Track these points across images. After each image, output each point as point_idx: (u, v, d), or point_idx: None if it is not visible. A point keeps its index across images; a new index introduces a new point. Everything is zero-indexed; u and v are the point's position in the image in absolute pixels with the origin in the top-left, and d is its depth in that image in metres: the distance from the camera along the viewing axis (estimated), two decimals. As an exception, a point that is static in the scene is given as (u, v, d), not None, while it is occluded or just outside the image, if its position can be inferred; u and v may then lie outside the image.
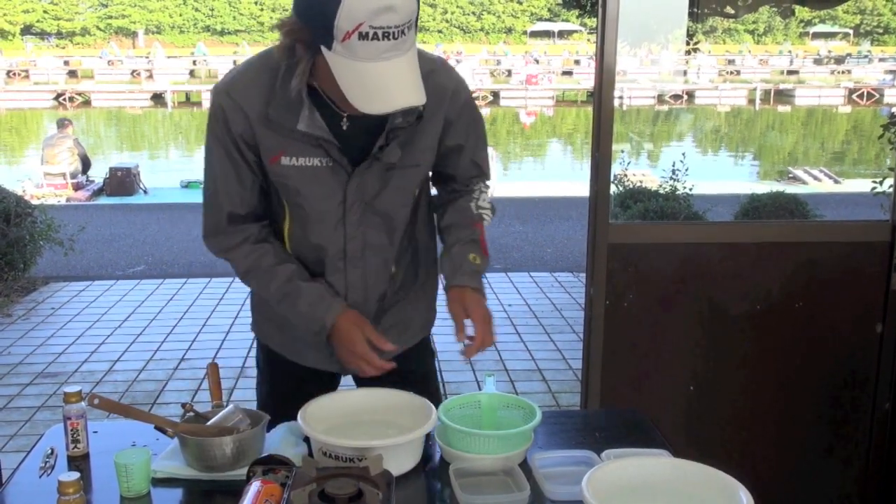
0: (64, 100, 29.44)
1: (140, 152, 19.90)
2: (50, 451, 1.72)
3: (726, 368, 2.79)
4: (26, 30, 52.99)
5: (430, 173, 1.84)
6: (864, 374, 2.81)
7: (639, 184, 7.77)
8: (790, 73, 35.20)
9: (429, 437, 1.65)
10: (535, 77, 31.00)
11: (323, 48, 1.48)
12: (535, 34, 48.34)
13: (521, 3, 55.59)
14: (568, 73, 34.82)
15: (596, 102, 2.58)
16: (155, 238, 8.79)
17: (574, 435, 1.86)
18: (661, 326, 2.75)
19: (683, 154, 7.41)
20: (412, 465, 1.64)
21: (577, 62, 36.85)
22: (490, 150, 1.93)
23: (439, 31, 53.10)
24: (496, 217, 1.92)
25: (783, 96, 30.05)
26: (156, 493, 1.58)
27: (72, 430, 1.69)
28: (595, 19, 2.74)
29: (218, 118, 1.70)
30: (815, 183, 13.24)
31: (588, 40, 41.53)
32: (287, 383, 1.93)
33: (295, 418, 1.66)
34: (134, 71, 36.05)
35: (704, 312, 2.75)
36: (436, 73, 1.70)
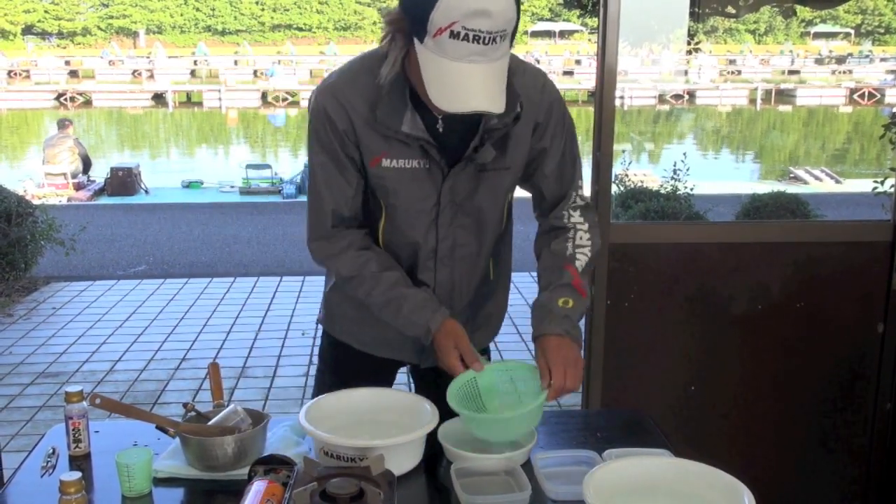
0: (65, 100, 29.45)
1: (141, 152, 19.91)
2: (51, 451, 1.72)
3: (727, 368, 2.79)
4: (27, 30, 52.97)
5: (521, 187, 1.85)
6: (866, 373, 2.81)
7: (640, 184, 7.78)
8: (791, 72, 35.17)
9: (430, 436, 1.65)
10: (536, 77, 30.89)
11: (416, 40, 1.51)
12: (535, 34, 48.28)
13: (521, 3, 55.55)
14: (569, 73, 34.78)
15: (597, 102, 2.58)
16: (156, 238, 8.80)
17: (575, 435, 1.86)
18: (662, 326, 2.75)
19: (684, 154, 7.41)
20: (413, 465, 1.64)
21: (578, 62, 36.81)
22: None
23: (440, 31, 52.86)
24: None
25: (784, 96, 30.04)
26: (157, 493, 1.58)
27: (73, 430, 1.70)
28: (596, 19, 2.74)
29: (321, 120, 1.70)
30: (816, 183, 13.24)
31: (589, 40, 41.49)
32: (351, 372, 1.93)
33: None
34: (135, 71, 36.05)
35: (705, 312, 2.75)
36: (528, 77, 1.72)
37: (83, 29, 54.17)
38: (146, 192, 12.07)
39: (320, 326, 2.01)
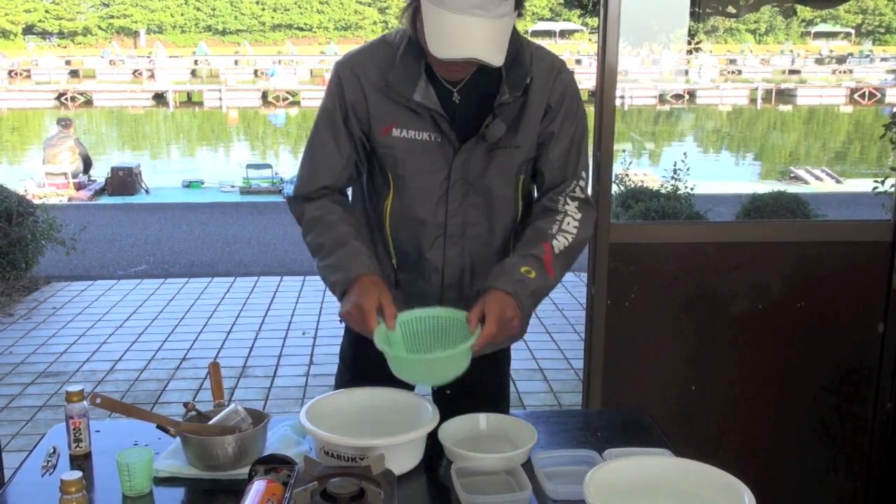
0: (66, 99, 29.44)
1: (142, 152, 19.91)
2: (52, 451, 1.72)
3: (728, 368, 2.79)
4: (28, 29, 52.99)
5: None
6: (866, 373, 2.81)
7: (640, 183, 7.79)
8: (792, 72, 35.16)
9: (431, 436, 1.65)
10: (536, 77, 30.88)
11: None
12: (536, 34, 48.23)
13: (522, 3, 55.56)
14: (569, 72, 34.77)
15: (597, 102, 2.58)
16: (156, 238, 8.80)
17: (576, 434, 1.86)
18: (662, 326, 2.75)
19: (685, 154, 7.41)
20: (414, 465, 1.64)
21: (578, 62, 36.70)
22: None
23: (441, 31, 52.86)
24: None
25: (785, 96, 30.02)
26: (158, 493, 1.58)
27: (74, 430, 1.70)
28: (596, 19, 2.74)
29: (333, 89, 1.78)
30: (816, 183, 13.23)
31: (589, 40, 41.46)
32: (371, 364, 1.91)
33: None
34: (135, 70, 36.06)
35: (706, 312, 2.75)
36: (546, 62, 1.76)
37: (84, 29, 54.18)
38: (147, 191, 12.06)
39: (342, 323, 1.96)
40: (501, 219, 1.81)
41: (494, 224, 1.81)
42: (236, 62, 38.84)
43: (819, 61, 38.03)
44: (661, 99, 28.87)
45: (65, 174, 11.67)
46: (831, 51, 40.53)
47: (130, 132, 24.84)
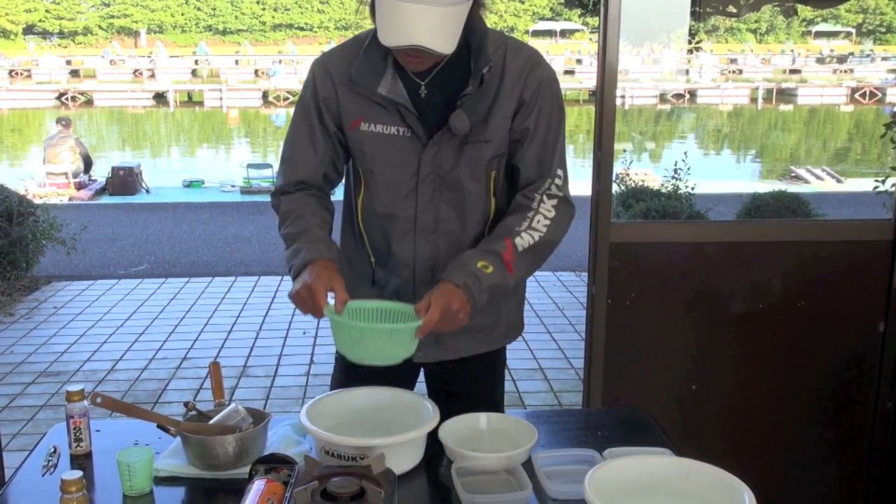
0: (66, 99, 29.45)
1: (142, 152, 19.92)
2: (53, 450, 1.72)
3: (728, 367, 2.79)
4: (28, 29, 53.01)
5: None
6: (866, 372, 2.81)
7: (641, 183, 7.78)
8: (792, 72, 35.15)
9: (431, 435, 1.65)
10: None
11: None
12: (537, 33, 48.29)
13: (523, 3, 55.62)
14: (570, 72, 34.76)
15: (598, 101, 2.58)
16: (157, 237, 8.80)
17: (576, 434, 1.86)
18: (663, 326, 2.75)
19: (685, 153, 7.41)
20: (414, 464, 1.64)
21: (579, 61, 36.81)
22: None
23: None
24: None
25: (785, 95, 30.02)
26: (158, 492, 1.58)
27: (74, 429, 1.70)
28: (597, 18, 2.74)
29: (308, 85, 1.81)
30: (817, 182, 13.22)
31: (590, 39, 41.48)
32: (366, 376, 1.91)
33: None
34: (136, 70, 36.07)
35: (706, 312, 2.75)
36: (522, 57, 1.76)
37: (84, 28, 54.21)
38: (147, 191, 12.06)
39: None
40: (472, 215, 1.80)
41: (465, 220, 1.80)
42: (237, 62, 38.85)
43: (820, 61, 38.02)
44: (662, 98, 28.88)
45: (65, 174, 11.67)
46: (832, 50, 40.52)
47: (131, 132, 24.85)
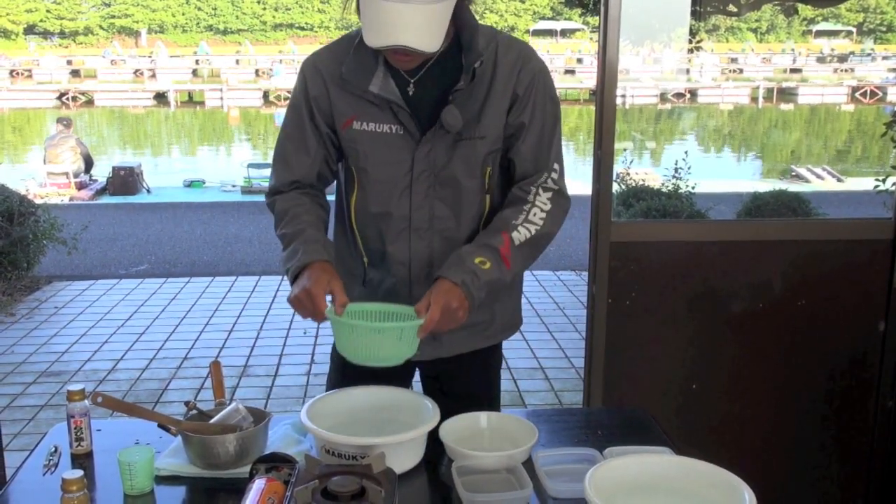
0: (67, 99, 29.46)
1: (143, 152, 19.92)
2: (54, 450, 1.73)
3: (728, 366, 2.79)
4: (29, 29, 53.03)
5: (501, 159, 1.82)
6: (867, 372, 2.81)
7: (641, 182, 7.77)
8: (793, 71, 35.11)
9: (432, 434, 1.65)
10: (537, 76, 30.83)
11: None
12: (537, 33, 48.26)
13: (523, 2, 55.61)
14: (570, 71, 34.78)
15: (598, 101, 2.58)
16: (158, 237, 8.80)
17: (576, 433, 1.86)
18: (664, 325, 2.75)
19: (686, 152, 7.40)
20: (415, 463, 1.64)
21: (579, 61, 36.80)
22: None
23: (442, 30, 52.85)
24: None
25: (786, 94, 30.00)
26: (159, 491, 1.58)
27: (75, 429, 1.70)
28: (597, 18, 2.74)
29: (299, 85, 1.80)
30: (817, 181, 13.21)
31: (591, 39, 41.46)
32: (361, 376, 1.91)
33: None
34: (137, 70, 36.07)
35: (707, 311, 2.75)
36: (514, 51, 1.75)
37: (85, 28, 54.24)
38: (148, 191, 12.06)
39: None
40: (467, 212, 1.79)
41: (460, 217, 1.79)
42: (237, 62, 38.85)
43: (820, 60, 37.99)
44: (663, 98, 28.85)
45: (66, 174, 11.67)
46: (833, 49, 40.49)
47: (132, 132, 24.85)
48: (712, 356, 2.78)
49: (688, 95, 29.37)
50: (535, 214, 1.75)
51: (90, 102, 29.57)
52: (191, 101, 30.64)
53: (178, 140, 23.50)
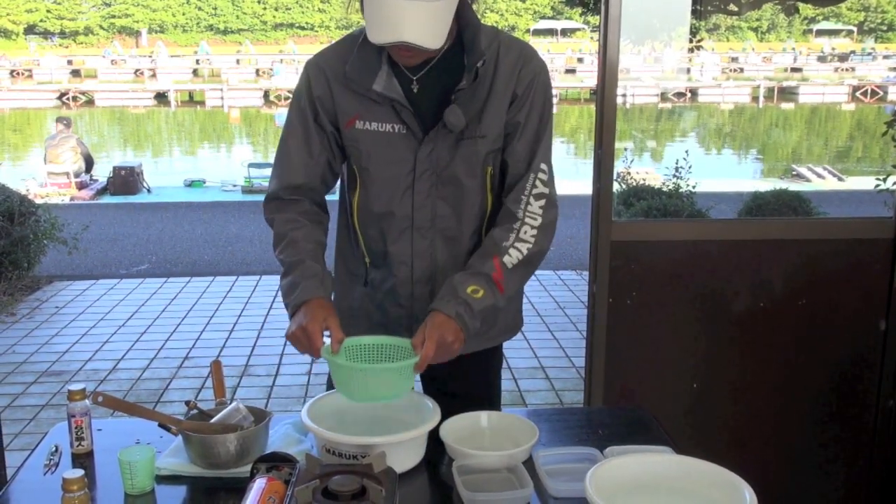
0: (67, 99, 29.46)
1: (143, 151, 19.92)
2: (54, 449, 1.73)
3: (729, 365, 2.79)
4: (30, 29, 53.03)
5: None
6: (868, 370, 2.81)
7: (642, 181, 7.76)
8: (794, 70, 35.10)
9: (432, 433, 1.65)
10: (538, 75, 30.85)
11: None
12: (538, 32, 48.24)
13: (524, 2, 55.62)
14: (571, 71, 34.78)
15: (598, 100, 2.58)
16: (159, 237, 8.81)
17: (577, 432, 1.86)
18: (664, 324, 2.75)
19: (686, 152, 7.39)
20: (416, 463, 1.64)
21: (580, 60, 36.79)
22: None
23: (442, 30, 52.90)
24: None
25: (787, 94, 29.98)
26: (160, 491, 1.58)
27: (76, 428, 1.70)
28: (598, 17, 2.74)
29: (303, 85, 1.80)
30: (818, 180, 13.20)
31: (591, 38, 41.42)
32: None
33: None
34: (137, 70, 36.06)
35: (707, 310, 2.75)
36: (515, 51, 1.76)
37: (85, 28, 54.24)
38: (148, 191, 12.07)
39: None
40: (469, 211, 1.79)
41: (462, 216, 1.79)
42: (238, 61, 38.84)
43: (821, 59, 37.97)
44: (663, 97, 28.84)
45: (67, 174, 11.67)
46: (833, 48, 40.45)
47: (132, 132, 24.85)
48: (713, 355, 2.78)
49: (688, 95, 29.36)
50: (525, 232, 1.74)
51: (90, 102, 29.57)
52: (191, 100, 30.64)
53: (178, 140, 23.50)
